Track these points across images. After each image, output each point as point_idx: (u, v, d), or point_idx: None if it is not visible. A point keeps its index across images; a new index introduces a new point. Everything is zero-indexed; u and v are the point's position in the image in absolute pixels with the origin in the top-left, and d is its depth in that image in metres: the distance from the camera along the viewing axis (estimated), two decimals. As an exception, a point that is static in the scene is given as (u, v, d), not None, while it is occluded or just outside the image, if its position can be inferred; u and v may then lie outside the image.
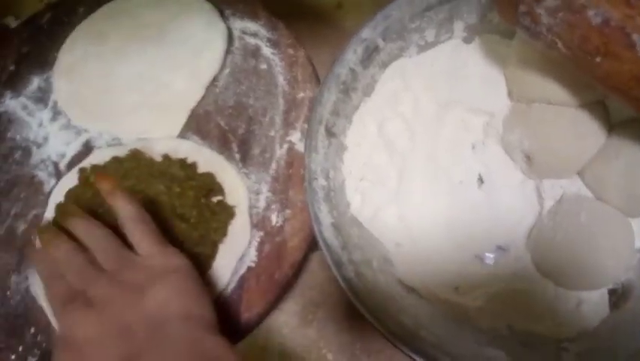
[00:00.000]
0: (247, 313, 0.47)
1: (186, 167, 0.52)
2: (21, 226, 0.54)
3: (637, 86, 0.36)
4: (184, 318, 0.38)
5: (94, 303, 0.38)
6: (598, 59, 0.37)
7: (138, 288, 0.39)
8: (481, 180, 0.50)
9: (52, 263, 0.42)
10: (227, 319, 0.47)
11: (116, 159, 0.52)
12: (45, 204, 0.54)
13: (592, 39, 0.36)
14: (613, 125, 0.47)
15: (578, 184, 0.48)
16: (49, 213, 0.52)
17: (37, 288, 0.51)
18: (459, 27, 0.52)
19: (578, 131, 0.46)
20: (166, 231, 0.48)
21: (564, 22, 0.38)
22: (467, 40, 0.53)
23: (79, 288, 0.40)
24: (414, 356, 0.39)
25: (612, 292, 0.45)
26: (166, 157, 0.52)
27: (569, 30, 0.38)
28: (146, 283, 0.39)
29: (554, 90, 0.46)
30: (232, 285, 0.48)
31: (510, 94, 0.50)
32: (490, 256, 0.48)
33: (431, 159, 0.51)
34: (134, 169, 0.51)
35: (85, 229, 0.44)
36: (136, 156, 0.52)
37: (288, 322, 0.52)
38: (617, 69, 0.36)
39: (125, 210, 0.44)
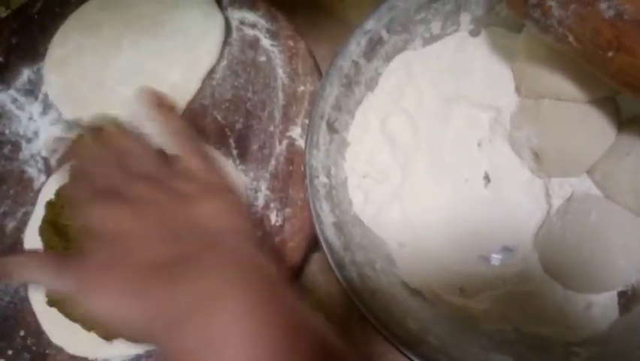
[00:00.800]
0: (245, 315, 0.45)
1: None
2: (10, 224, 0.52)
3: (651, 82, 0.35)
4: (234, 232, 0.36)
5: (133, 201, 0.35)
6: (610, 54, 0.36)
7: (189, 197, 0.37)
8: (487, 179, 0.49)
9: (84, 159, 0.40)
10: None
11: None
12: (34, 201, 0.52)
13: (604, 32, 0.36)
14: (623, 122, 0.46)
15: (587, 183, 0.47)
16: (39, 212, 0.50)
17: (31, 292, 0.49)
18: (465, 19, 0.50)
19: (587, 128, 0.45)
20: None
21: (576, 15, 0.37)
22: (474, 33, 0.51)
23: (114, 187, 0.36)
24: (418, 361, 0.38)
25: (622, 295, 0.44)
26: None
27: (580, 23, 0.37)
28: (198, 194, 0.37)
29: (563, 86, 0.45)
30: (229, 286, 0.47)
31: (518, 89, 0.49)
32: (496, 257, 0.48)
33: (436, 156, 0.50)
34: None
35: (117, 136, 0.41)
36: None
37: (287, 324, 0.51)
38: (630, 64, 0.35)
39: (174, 124, 0.42)
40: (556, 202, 0.47)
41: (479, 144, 0.50)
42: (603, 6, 0.35)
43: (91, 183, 0.37)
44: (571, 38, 0.38)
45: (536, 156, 0.47)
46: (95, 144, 0.40)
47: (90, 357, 0.46)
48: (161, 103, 0.42)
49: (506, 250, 0.47)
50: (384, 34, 0.48)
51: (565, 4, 0.37)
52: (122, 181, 0.36)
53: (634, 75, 0.36)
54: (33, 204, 0.52)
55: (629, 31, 0.34)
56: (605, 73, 0.38)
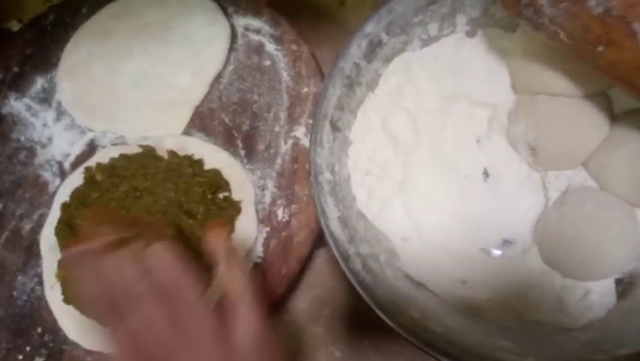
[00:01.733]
0: (254, 308, 0.47)
1: (193, 163, 0.52)
2: (26, 226, 0.54)
3: (639, 75, 0.36)
4: None
5: None
6: (600, 49, 0.37)
7: None
8: (486, 174, 0.51)
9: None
10: (235, 314, 0.47)
11: (124, 156, 0.52)
12: (50, 203, 0.54)
13: (594, 29, 0.37)
14: (616, 116, 0.47)
15: (583, 175, 0.48)
16: (55, 213, 0.52)
17: (48, 290, 0.51)
18: (462, 21, 0.52)
19: (581, 122, 0.47)
20: (173, 227, 0.48)
21: (566, 13, 0.38)
22: (470, 34, 0.52)
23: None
24: (423, 348, 0.39)
25: (619, 282, 0.45)
26: (173, 154, 0.52)
27: (571, 20, 0.38)
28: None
29: (557, 82, 0.46)
30: (239, 281, 0.48)
31: (513, 86, 0.51)
32: (497, 249, 0.49)
33: (436, 152, 0.51)
34: (142, 166, 0.51)
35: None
36: (146, 152, 0.53)
37: (295, 320, 0.52)
38: (619, 58, 0.37)
39: (241, 280, 0.36)
40: (554, 195, 0.48)
41: (478, 141, 0.51)
42: (592, 3, 0.36)
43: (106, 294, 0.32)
44: (562, 35, 0.39)
45: (533, 150, 0.48)
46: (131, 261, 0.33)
47: (105, 351, 0.47)
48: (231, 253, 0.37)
49: (506, 242, 0.49)
50: (383, 36, 0.49)
51: (555, 2, 0.38)
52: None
53: (623, 69, 0.37)
54: (48, 206, 0.54)
55: (617, 26, 0.36)
56: (597, 67, 0.39)
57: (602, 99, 0.47)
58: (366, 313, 0.51)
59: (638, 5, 0.36)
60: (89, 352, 0.48)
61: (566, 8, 0.38)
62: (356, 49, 0.48)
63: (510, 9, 0.43)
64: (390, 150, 0.51)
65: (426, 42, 0.52)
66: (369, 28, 0.48)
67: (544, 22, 0.40)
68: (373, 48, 0.49)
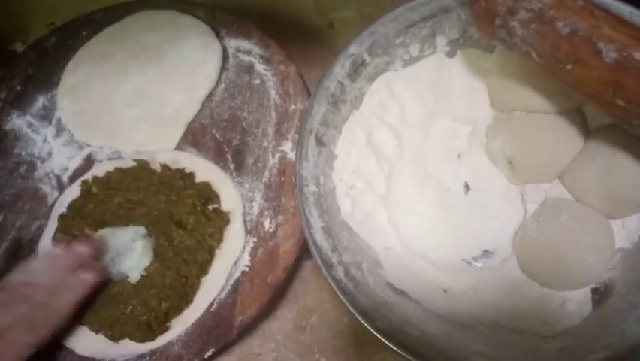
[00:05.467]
0: (241, 316, 0.49)
1: (185, 177, 0.54)
2: (25, 237, 0.56)
3: (606, 91, 0.38)
4: None
5: None
6: (569, 67, 0.39)
7: None
8: (467, 187, 0.52)
9: None
10: (222, 322, 0.49)
11: (119, 170, 0.55)
12: (48, 215, 0.56)
13: (562, 48, 0.39)
14: (590, 131, 0.49)
15: (559, 188, 0.50)
16: (52, 224, 0.54)
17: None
18: (442, 42, 0.54)
19: (556, 137, 0.48)
20: (164, 238, 0.50)
21: (536, 33, 0.40)
22: (450, 55, 0.55)
23: None
24: (401, 352, 0.40)
25: (594, 291, 0.47)
26: (166, 167, 0.54)
27: (541, 40, 0.40)
28: None
29: (533, 99, 0.48)
30: (227, 289, 0.50)
31: (492, 104, 0.53)
32: (477, 260, 0.50)
33: (419, 166, 0.53)
34: (136, 179, 0.54)
35: None
36: (140, 166, 0.55)
37: (282, 328, 0.54)
38: (587, 75, 0.39)
39: None
40: (532, 207, 0.50)
41: (459, 155, 0.53)
42: (560, 24, 0.39)
43: None
44: (534, 54, 0.42)
45: (511, 164, 0.50)
46: None
47: (97, 357, 0.49)
48: None
49: (486, 253, 0.50)
50: (366, 57, 0.51)
51: (526, 23, 0.41)
52: None
53: (591, 85, 0.39)
54: (47, 217, 0.56)
55: (584, 46, 0.38)
56: (567, 85, 0.41)
57: (576, 115, 0.49)
58: (351, 322, 0.52)
59: (602, 26, 0.38)
60: (82, 357, 0.49)
61: (536, 29, 0.40)
62: (340, 69, 0.50)
63: (484, 30, 0.45)
64: (374, 163, 0.52)
65: (408, 62, 0.54)
66: (353, 49, 0.50)
67: (517, 43, 0.42)
68: (357, 68, 0.51)
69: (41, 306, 0.45)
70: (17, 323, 0.43)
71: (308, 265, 0.55)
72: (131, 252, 0.50)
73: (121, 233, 0.51)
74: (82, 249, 0.49)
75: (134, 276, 0.50)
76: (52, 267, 0.48)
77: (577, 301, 0.47)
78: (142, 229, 0.51)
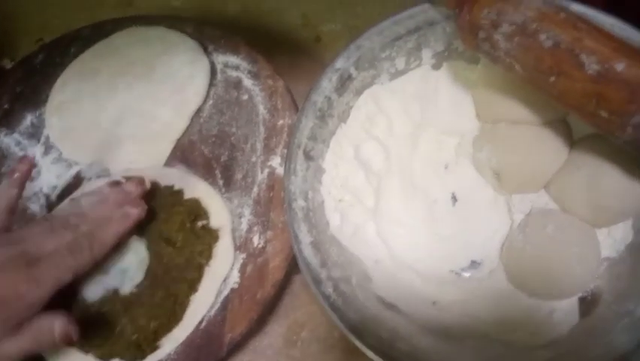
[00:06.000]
0: (231, 333, 0.48)
1: (174, 193, 0.54)
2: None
3: (589, 103, 0.39)
4: None
5: None
6: (552, 79, 0.40)
7: None
8: (454, 198, 0.52)
9: None
10: (212, 340, 0.48)
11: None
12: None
13: (545, 60, 0.39)
14: (575, 141, 0.49)
15: (545, 198, 0.51)
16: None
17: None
18: (427, 55, 0.54)
19: (541, 147, 0.49)
20: (154, 255, 0.50)
21: (520, 46, 0.41)
22: (436, 67, 0.55)
23: None
24: (391, 367, 0.41)
25: (582, 300, 0.47)
26: (155, 184, 0.54)
27: (524, 53, 0.41)
28: None
29: (518, 110, 0.49)
30: (216, 306, 0.50)
31: (478, 115, 0.53)
32: (465, 271, 0.50)
33: (407, 178, 0.53)
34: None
35: None
36: None
37: (272, 343, 0.53)
38: (570, 87, 0.39)
39: None
40: (518, 217, 0.50)
41: (446, 167, 0.53)
42: (542, 37, 0.39)
43: None
44: (517, 67, 0.42)
45: (497, 175, 0.50)
46: None
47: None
48: None
49: (474, 263, 0.50)
50: (353, 71, 0.52)
51: (510, 36, 0.41)
52: None
53: (574, 97, 0.39)
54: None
55: (566, 58, 0.38)
56: (551, 96, 0.42)
57: (561, 126, 0.49)
58: (342, 336, 0.52)
59: (584, 39, 0.38)
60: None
61: (519, 42, 0.41)
62: (327, 83, 0.51)
63: (469, 43, 0.46)
64: (363, 176, 0.53)
65: (394, 75, 0.55)
66: (339, 63, 0.51)
67: (500, 55, 0.43)
68: (344, 82, 0.52)
69: (86, 235, 0.47)
70: (60, 249, 0.45)
71: (298, 279, 0.55)
72: (131, 265, 0.50)
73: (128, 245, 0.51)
74: (131, 188, 0.51)
75: (125, 290, 0.49)
76: (100, 200, 0.50)
77: (564, 310, 0.47)
78: (143, 244, 0.51)
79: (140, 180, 0.53)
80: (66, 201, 0.51)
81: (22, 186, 0.48)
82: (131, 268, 0.50)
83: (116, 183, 0.52)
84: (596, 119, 0.39)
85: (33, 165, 0.50)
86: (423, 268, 0.50)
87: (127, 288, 0.50)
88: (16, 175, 0.48)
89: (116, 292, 0.50)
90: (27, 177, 0.49)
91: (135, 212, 0.50)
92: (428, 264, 0.50)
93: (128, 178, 0.53)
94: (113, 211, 0.49)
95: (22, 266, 0.42)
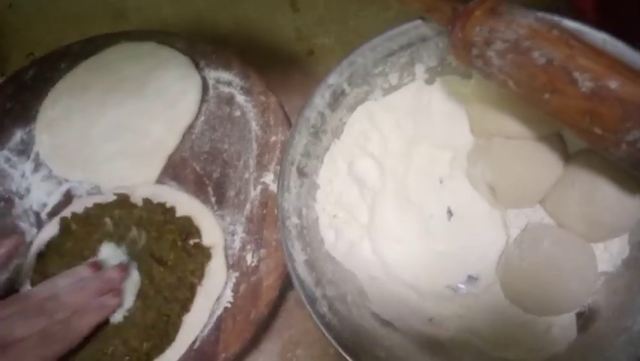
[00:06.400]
0: (224, 353, 0.48)
1: (165, 211, 0.53)
2: (2, 276, 0.54)
3: (583, 120, 0.39)
4: None
5: None
6: (546, 96, 0.40)
7: None
8: (450, 213, 0.52)
9: None
10: (205, 360, 0.48)
11: (98, 205, 0.54)
12: (26, 253, 0.55)
13: (539, 77, 0.39)
14: (570, 156, 0.49)
15: (541, 213, 0.50)
16: (31, 263, 0.53)
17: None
18: (420, 70, 0.54)
19: (536, 162, 0.49)
20: (145, 275, 0.49)
21: (513, 63, 0.41)
22: (429, 82, 0.55)
23: None
24: (387, 388, 0.40)
25: (579, 316, 0.47)
26: (147, 201, 0.54)
27: (517, 70, 0.41)
28: None
29: (512, 125, 0.48)
30: (209, 326, 0.49)
31: (472, 130, 0.53)
32: (462, 286, 0.50)
33: (401, 194, 0.53)
34: (116, 215, 0.53)
35: None
36: (121, 200, 0.54)
37: (267, 362, 0.53)
38: (564, 104, 0.39)
39: None
40: (514, 232, 0.50)
41: (441, 181, 0.53)
42: (536, 54, 0.39)
43: None
44: (511, 83, 0.42)
45: (492, 190, 0.50)
46: None
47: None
48: None
49: (471, 278, 0.50)
50: (346, 87, 0.52)
51: (502, 53, 0.41)
52: None
53: (568, 114, 0.39)
54: (25, 255, 0.54)
55: (560, 75, 0.38)
56: (545, 112, 0.42)
57: (556, 140, 0.49)
58: (337, 354, 0.51)
59: (577, 56, 0.38)
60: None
61: (512, 59, 0.41)
62: (320, 99, 0.50)
63: (462, 60, 0.45)
64: (357, 192, 0.52)
65: (387, 91, 0.55)
66: (332, 79, 0.51)
67: (494, 72, 0.43)
68: (337, 98, 0.52)
69: (62, 323, 0.45)
70: (34, 335, 0.43)
71: (292, 296, 0.55)
72: (124, 290, 0.50)
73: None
74: (113, 275, 0.49)
75: (117, 318, 0.49)
76: (80, 287, 0.48)
77: (562, 326, 0.46)
78: (135, 267, 0.51)
79: (122, 267, 0.50)
80: (44, 282, 0.49)
81: (7, 264, 0.48)
82: (123, 292, 0.49)
83: (96, 266, 0.50)
84: (590, 135, 0.39)
85: (23, 241, 0.50)
86: (419, 283, 0.50)
87: (118, 314, 0.49)
88: (2, 251, 0.47)
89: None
90: (13, 254, 0.48)
91: (114, 303, 0.49)
92: (424, 279, 0.50)
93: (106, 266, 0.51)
94: (92, 300, 0.48)
95: None
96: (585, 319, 0.47)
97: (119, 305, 0.49)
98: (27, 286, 0.52)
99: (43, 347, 0.43)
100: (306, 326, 0.54)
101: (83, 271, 0.49)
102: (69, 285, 0.48)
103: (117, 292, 0.49)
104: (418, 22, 0.50)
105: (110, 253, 0.51)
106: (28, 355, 0.42)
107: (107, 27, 0.71)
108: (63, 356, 0.47)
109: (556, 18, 0.43)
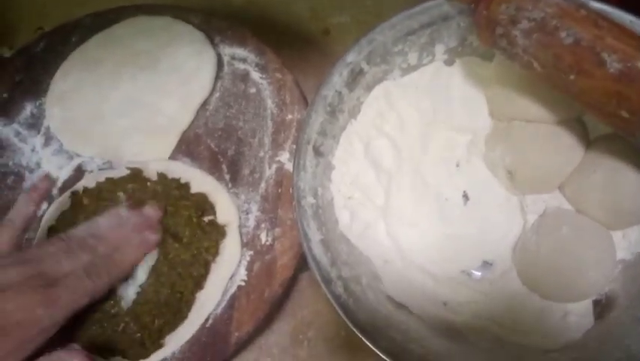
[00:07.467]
0: (237, 332, 0.47)
1: (180, 187, 0.53)
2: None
3: (609, 102, 0.38)
4: None
5: None
6: (572, 77, 0.39)
7: None
8: (466, 197, 0.52)
9: None
10: (218, 338, 0.47)
11: (110, 180, 0.53)
12: (37, 227, 0.54)
13: (565, 58, 0.38)
14: (591, 141, 0.49)
15: (559, 198, 0.50)
16: (42, 236, 0.53)
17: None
18: (440, 50, 0.53)
19: (556, 146, 0.48)
20: (159, 251, 0.49)
21: (538, 43, 0.40)
22: (448, 63, 0.54)
23: None
24: (403, 369, 0.40)
25: (596, 303, 0.46)
26: (162, 176, 0.53)
27: (543, 50, 0.40)
28: None
29: (533, 108, 0.48)
30: (223, 304, 0.49)
31: (491, 113, 0.52)
32: (477, 271, 0.50)
33: (417, 177, 0.52)
34: (129, 189, 0.52)
35: None
36: (134, 175, 0.54)
37: (279, 342, 0.53)
38: (590, 86, 0.38)
39: None
40: (531, 218, 0.49)
41: (457, 165, 0.52)
42: (563, 34, 0.38)
43: None
44: (535, 64, 0.41)
45: (510, 174, 0.50)
46: None
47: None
48: None
49: (486, 264, 0.50)
50: (364, 65, 0.51)
51: (528, 33, 0.40)
52: None
53: (593, 96, 0.38)
54: (35, 230, 0.54)
55: (587, 56, 0.37)
56: (569, 95, 0.41)
57: (577, 125, 0.48)
58: (349, 336, 0.52)
59: (605, 37, 0.37)
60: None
61: (538, 39, 0.40)
62: (338, 77, 0.50)
63: (485, 40, 0.45)
64: (373, 174, 0.52)
65: (406, 71, 0.54)
66: (351, 57, 0.50)
67: (518, 52, 0.42)
68: (355, 77, 0.51)
69: (104, 258, 0.46)
70: (77, 271, 0.43)
71: (305, 277, 0.55)
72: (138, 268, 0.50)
73: None
74: (151, 212, 0.50)
75: (129, 294, 0.48)
76: (119, 224, 0.49)
77: (578, 313, 0.46)
78: None
79: (160, 205, 0.51)
80: (84, 222, 0.49)
81: (39, 205, 0.48)
82: (137, 270, 0.49)
83: (134, 206, 0.51)
84: (615, 119, 0.39)
85: (52, 183, 0.51)
86: (433, 268, 0.49)
87: (131, 290, 0.49)
88: (36, 193, 0.48)
89: (119, 295, 0.49)
90: (45, 196, 0.49)
91: (154, 238, 0.49)
92: (439, 264, 0.50)
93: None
94: (132, 236, 0.48)
95: (39, 288, 0.40)
96: (602, 307, 0.46)
97: (159, 241, 0.49)
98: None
99: (89, 282, 0.44)
100: (317, 307, 0.54)
101: (121, 210, 0.50)
102: (109, 223, 0.49)
103: (156, 229, 0.50)
104: (440, 0, 0.49)
105: None
106: (76, 289, 0.43)
107: (117, 1, 0.69)
108: (75, 333, 0.47)
109: (582, -1, 0.42)
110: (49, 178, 0.50)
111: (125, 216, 0.49)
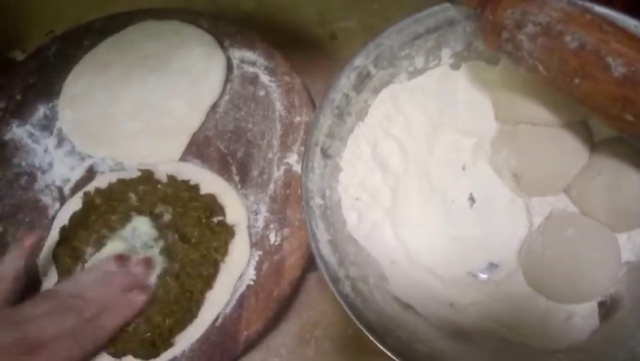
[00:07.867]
0: (246, 331, 0.48)
1: (190, 188, 0.53)
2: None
3: (614, 106, 0.38)
4: None
5: None
6: (576, 81, 0.39)
7: None
8: (472, 199, 0.52)
9: None
10: (227, 337, 0.48)
11: (121, 181, 0.54)
12: (49, 228, 0.55)
13: (570, 62, 0.39)
14: (596, 144, 0.49)
15: (565, 201, 0.50)
16: (54, 236, 0.54)
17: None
18: (446, 54, 0.54)
19: (561, 149, 0.49)
20: (169, 251, 0.50)
21: (544, 47, 0.40)
22: (454, 67, 0.55)
23: None
24: (411, 369, 0.40)
25: (601, 305, 0.47)
26: (171, 178, 0.54)
27: (548, 54, 0.40)
28: None
29: (538, 111, 0.48)
30: (232, 303, 0.49)
31: (496, 116, 0.53)
32: (483, 273, 0.50)
33: (424, 179, 0.53)
34: (140, 190, 0.53)
35: None
36: (145, 176, 0.54)
37: (286, 342, 0.53)
38: (595, 89, 0.39)
39: None
40: (537, 220, 0.50)
41: (463, 168, 0.53)
42: (568, 39, 0.39)
43: None
44: (541, 68, 0.42)
45: (516, 177, 0.50)
46: None
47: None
48: None
49: (492, 265, 0.50)
50: (371, 69, 0.51)
51: (533, 37, 0.41)
52: None
53: (598, 100, 0.39)
54: (47, 230, 0.55)
55: (592, 60, 0.38)
56: (574, 98, 0.41)
57: (582, 128, 0.49)
58: (355, 335, 0.52)
59: (610, 41, 0.38)
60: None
61: (543, 43, 0.40)
62: (345, 81, 0.50)
63: (491, 44, 0.45)
64: (380, 176, 0.52)
65: (412, 74, 0.55)
66: (358, 61, 0.50)
67: (524, 56, 0.42)
68: (362, 80, 0.51)
69: (90, 322, 0.44)
70: (63, 336, 0.42)
71: (312, 277, 0.55)
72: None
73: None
74: (139, 269, 0.49)
75: None
76: (105, 282, 0.47)
77: (583, 315, 0.46)
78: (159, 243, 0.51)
79: (147, 261, 0.49)
80: (67, 278, 0.49)
81: (30, 258, 0.47)
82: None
83: (122, 260, 0.49)
84: (620, 122, 0.39)
85: (42, 237, 0.50)
86: (440, 269, 0.50)
87: None
88: (26, 245, 0.47)
89: None
90: (36, 249, 0.48)
91: (141, 299, 0.47)
92: (445, 265, 0.50)
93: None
94: (119, 296, 0.47)
95: (23, 354, 0.40)
96: (607, 308, 0.47)
97: (147, 301, 0.48)
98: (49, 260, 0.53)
99: (74, 349, 0.43)
100: (324, 307, 0.54)
101: (107, 265, 0.49)
102: (94, 280, 0.47)
103: (143, 288, 0.48)
104: (446, 4, 0.50)
105: (139, 225, 0.51)
106: (61, 354, 0.42)
107: (128, 4, 0.70)
108: None
109: (587, 3, 0.43)
110: (39, 233, 0.49)
111: (112, 274, 0.48)
